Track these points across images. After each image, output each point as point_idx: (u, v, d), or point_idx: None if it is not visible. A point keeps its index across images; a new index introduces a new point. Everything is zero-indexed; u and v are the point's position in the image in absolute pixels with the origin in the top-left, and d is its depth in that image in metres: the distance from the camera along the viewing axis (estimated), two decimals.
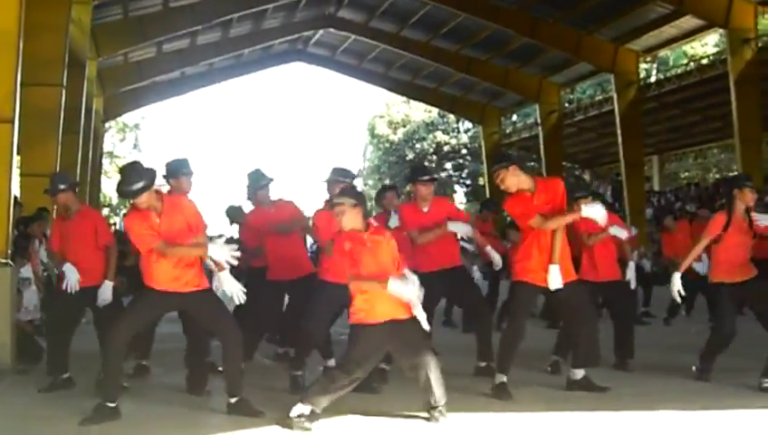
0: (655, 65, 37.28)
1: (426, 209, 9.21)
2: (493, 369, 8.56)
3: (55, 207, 10.35)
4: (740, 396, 7.86)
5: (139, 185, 7.06)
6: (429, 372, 6.98)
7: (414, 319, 6.91)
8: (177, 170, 8.73)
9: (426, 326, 7.04)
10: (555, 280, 7.74)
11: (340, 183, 8.65)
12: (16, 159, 11.63)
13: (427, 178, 9.38)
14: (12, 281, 10.80)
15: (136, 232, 7.23)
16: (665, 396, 7.96)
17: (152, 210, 7.22)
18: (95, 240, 9.12)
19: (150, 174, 7.20)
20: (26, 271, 12.25)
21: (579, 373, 8.23)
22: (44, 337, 12.44)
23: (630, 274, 9.99)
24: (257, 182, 9.81)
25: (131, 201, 7.25)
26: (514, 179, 7.79)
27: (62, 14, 16.14)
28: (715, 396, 7.87)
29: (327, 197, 8.87)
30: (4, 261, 10.64)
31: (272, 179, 9.82)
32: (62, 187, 9.22)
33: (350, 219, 7.01)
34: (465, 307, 10.56)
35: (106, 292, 8.97)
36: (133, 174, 7.18)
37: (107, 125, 37.30)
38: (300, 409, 6.85)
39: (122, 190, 7.16)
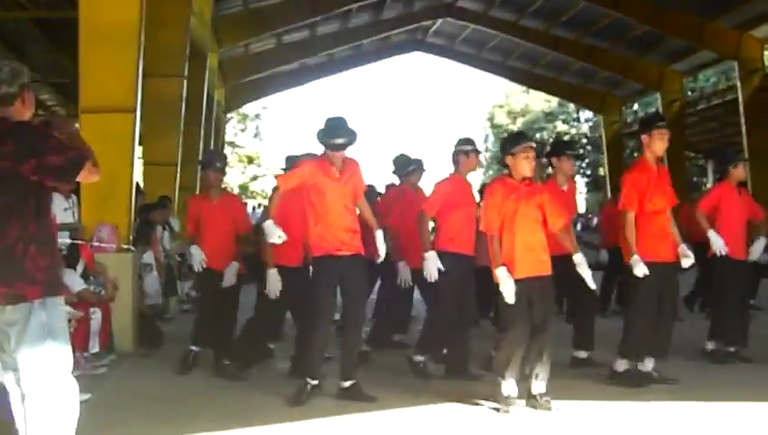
0: None
1: (565, 188, 9.19)
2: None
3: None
4: None
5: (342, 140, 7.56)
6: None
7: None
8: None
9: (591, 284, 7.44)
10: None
11: (467, 152, 8.72)
12: (138, 148, 11.94)
13: (572, 152, 9.54)
14: (134, 266, 11.15)
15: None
16: None
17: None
18: (233, 226, 9.38)
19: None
20: (148, 257, 12.60)
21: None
22: (164, 321, 12.89)
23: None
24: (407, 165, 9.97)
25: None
26: None
27: (183, 7, 16.48)
28: None
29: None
30: (126, 247, 10.96)
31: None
32: (218, 164, 9.52)
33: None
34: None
35: (231, 273, 9.21)
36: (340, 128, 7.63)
37: (228, 115, 37.93)
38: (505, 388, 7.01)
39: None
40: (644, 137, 8.27)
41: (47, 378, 4.59)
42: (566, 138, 48.27)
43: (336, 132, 7.58)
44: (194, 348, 9.33)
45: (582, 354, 9.08)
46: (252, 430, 6.59)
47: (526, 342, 7.03)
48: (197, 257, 8.94)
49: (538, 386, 7.09)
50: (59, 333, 4.67)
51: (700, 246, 9.69)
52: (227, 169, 40.85)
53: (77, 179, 4.78)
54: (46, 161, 4.54)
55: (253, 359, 9.05)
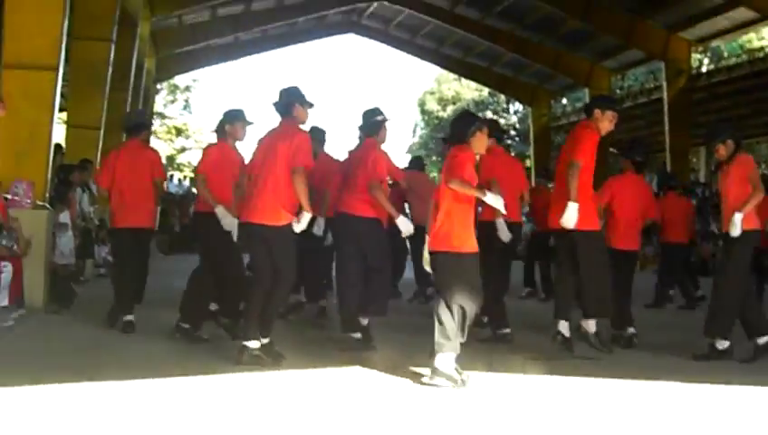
0: (707, 55, 36.96)
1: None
2: None
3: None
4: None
5: None
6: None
7: None
8: (235, 117, 9.08)
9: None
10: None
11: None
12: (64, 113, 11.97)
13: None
14: (48, 224, 11.18)
15: None
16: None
17: None
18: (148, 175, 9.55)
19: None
20: (65, 217, 12.59)
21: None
22: (79, 283, 12.90)
23: None
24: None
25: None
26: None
27: None
28: None
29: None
30: (42, 204, 10.98)
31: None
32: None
33: None
34: None
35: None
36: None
37: (159, 86, 37.64)
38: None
39: None
40: (597, 112, 8.67)
41: None
42: None
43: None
44: (129, 318, 9.38)
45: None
46: (150, 381, 6.69)
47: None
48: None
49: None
50: None
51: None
52: (156, 139, 40.59)
53: None
54: None
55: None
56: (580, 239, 8.43)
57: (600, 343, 8.69)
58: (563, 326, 8.54)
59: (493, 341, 9.29)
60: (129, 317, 9.30)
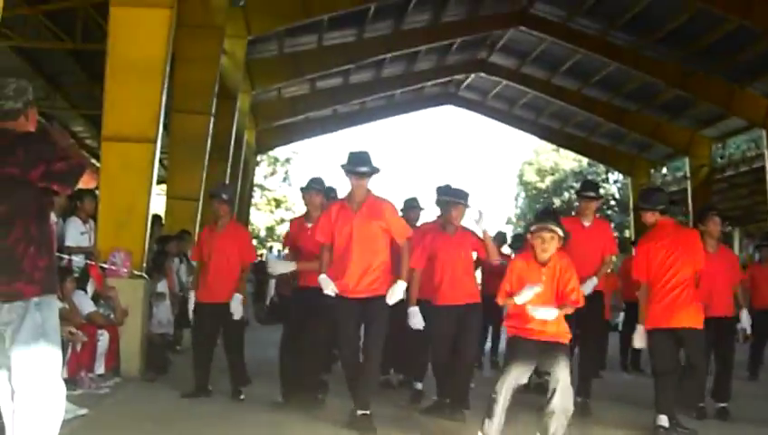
0: None
1: (587, 225, 9.38)
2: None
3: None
4: None
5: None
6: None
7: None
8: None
9: None
10: None
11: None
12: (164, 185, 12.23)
13: (593, 194, 9.72)
14: (145, 293, 11.37)
15: None
16: None
17: None
18: (238, 256, 9.66)
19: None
20: (162, 286, 12.78)
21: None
22: (176, 352, 13.07)
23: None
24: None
25: None
26: None
27: (213, 46, 16.73)
28: None
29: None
30: (138, 273, 11.18)
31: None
32: (224, 195, 9.83)
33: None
34: None
35: (237, 305, 9.48)
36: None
37: (258, 158, 38.20)
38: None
39: None
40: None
41: (37, 376, 4.78)
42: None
43: (358, 162, 8.06)
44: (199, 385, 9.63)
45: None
46: None
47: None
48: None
49: None
50: (51, 333, 4.87)
51: None
52: (256, 211, 41.19)
53: (78, 185, 4.98)
54: (53, 168, 4.79)
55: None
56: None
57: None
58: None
59: None
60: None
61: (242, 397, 9.50)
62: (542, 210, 7.99)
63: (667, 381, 8.19)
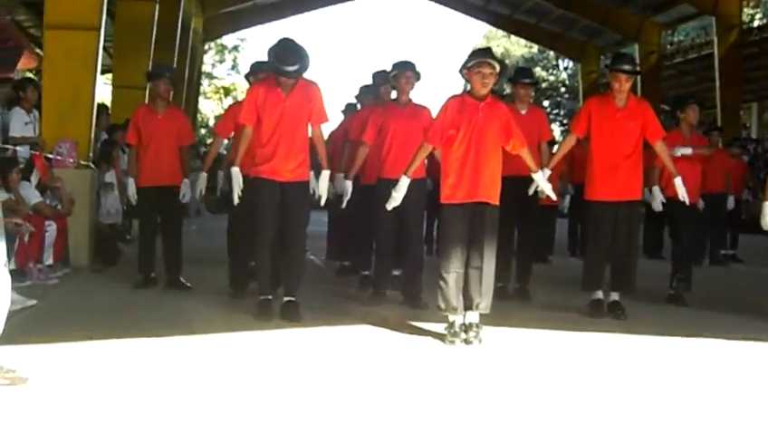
0: (759, 10, 36.32)
1: (523, 112, 9.28)
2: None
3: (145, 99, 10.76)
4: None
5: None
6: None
7: None
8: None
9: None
10: None
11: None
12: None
13: (528, 80, 9.66)
14: (92, 183, 11.29)
15: None
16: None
17: None
18: (177, 139, 9.55)
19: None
20: (110, 176, 12.66)
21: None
22: (126, 242, 13.03)
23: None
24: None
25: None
26: None
27: None
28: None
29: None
30: (85, 163, 11.07)
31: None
32: (166, 73, 9.66)
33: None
34: None
35: (186, 188, 9.45)
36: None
37: (206, 46, 37.68)
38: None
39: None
40: (608, 74, 8.68)
41: None
42: (544, 85, 48.28)
43: (286, 58, 7.59)
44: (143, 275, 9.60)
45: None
46: (186, 338, 6.74)
47: (462, 268, 7.05)
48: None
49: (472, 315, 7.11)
50: None
51: None
52: (204, 99, 40.66)
53: (18, 67, 4.87)
54: None
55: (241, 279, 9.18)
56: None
57: None
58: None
59: None
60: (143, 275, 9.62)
61: (188, 285, 9.47)
62: (480, 48, 7.78)
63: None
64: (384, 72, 10.08)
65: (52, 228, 9.91)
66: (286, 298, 7.78)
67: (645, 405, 5.14)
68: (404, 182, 7.24)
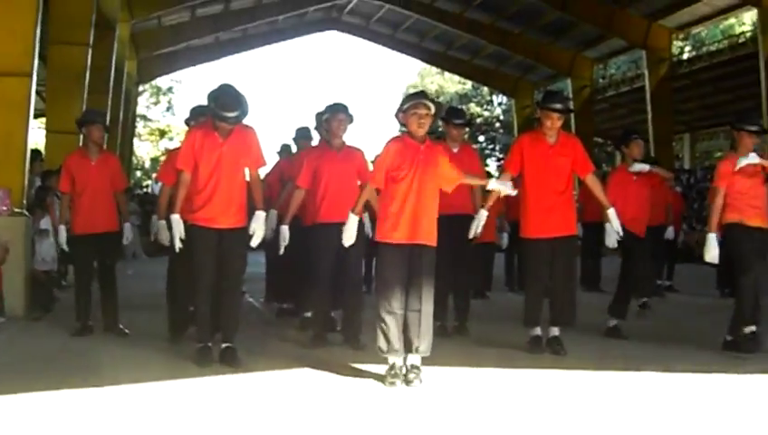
0: (688, 42, 36.98)
1: (455, 150, 9.39)
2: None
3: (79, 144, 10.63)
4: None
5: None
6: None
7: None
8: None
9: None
10: None
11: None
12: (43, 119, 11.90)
13: (460, 121, 9.77)
14: (26, 231, 11.14)
15: None
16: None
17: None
18: (112, 185, 9.46)
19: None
20: (45, 223, 12.52)
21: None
22: (61, 288, 12.87)
23: None
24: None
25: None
26: None
27: None
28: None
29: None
30: (18, 211, 10.94)
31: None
32: (98, 119, 9.57)
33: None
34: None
35: (128, 232, 9.40)
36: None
37: (141, 88, 37.51)
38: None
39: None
40: (538, 112, 8.71)
41: None
42: (479, 120, 48.68)
43: (227, 105, 7.58)
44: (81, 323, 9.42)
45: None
46: (125, 387, 6.65)
47: (401, 309, 7.02)
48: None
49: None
50: None
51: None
52: (140, 141, 40.45)
53: None
54: None
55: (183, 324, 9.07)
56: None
57: None
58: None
59: None
60: (81, 323, 9.43)
61: (126, 331, 9.37)
62: (414, 92, 7.82)
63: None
64: (306, 129, 10.59)
65: None
66: (224, 344, 7.73)
67: None
68: (352, 220, 7.30)
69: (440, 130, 10.67)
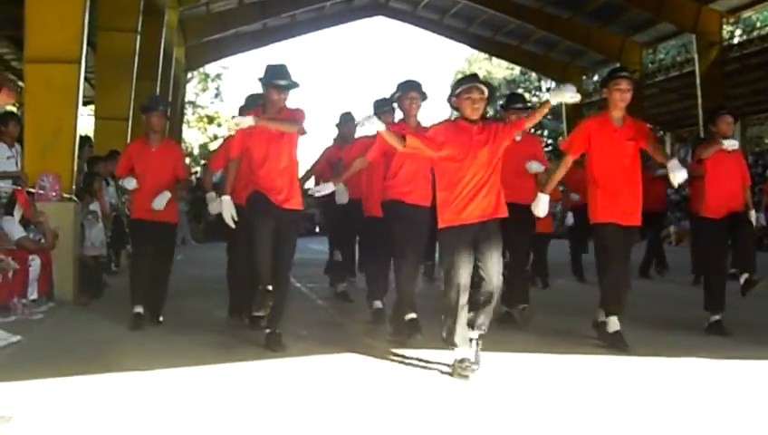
0: (739, 26, 36.51)
1: (518, 139, 8.80)
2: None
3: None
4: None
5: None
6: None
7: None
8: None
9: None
10: None
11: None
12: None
13: (520, 106, 9.50)
14: (75, 216, 11.25)
15: None
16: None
17: None
18: (172, 174, 9.38)
19: None
20: (94, 207, 12.63)
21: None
22: (111, 273, 12.99)
23: None
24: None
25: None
26: None
27: None
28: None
29: None
30: (68, 196, 11.04)
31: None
32: (161, 107, 9.51)
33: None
34: None
35: (162, 200, 9.07)
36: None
37: (189, 75, 37.72)
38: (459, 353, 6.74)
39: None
40: (605, 90, 8.38)
41: None
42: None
43: (279, 74, 7.67)
44: (138, 310, 9.11)
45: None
46: (172, 371, 6.70)
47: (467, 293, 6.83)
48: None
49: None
50: None
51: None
52: (188, 128, 40.65)
53: None
54: None
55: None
56: None
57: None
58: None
59: None
60: (138, 310, 9.10)
61: (161, 319, 9.31)
62: (467, 75, 7.65)
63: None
64: (349, 114, 10.83)
65: (35, 263, 9.86)
66: (268, 330, 7.78)
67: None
68: None
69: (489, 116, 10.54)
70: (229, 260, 9.43)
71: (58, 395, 5.76)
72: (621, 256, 8.15)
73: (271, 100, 7.71)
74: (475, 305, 6.85)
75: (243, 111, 8.98)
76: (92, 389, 5.98)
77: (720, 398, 5.99)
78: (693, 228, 9.65)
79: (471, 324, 6.85)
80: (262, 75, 7.70)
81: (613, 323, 8.01)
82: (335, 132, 11.78)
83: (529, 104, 10.23)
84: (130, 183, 9.07)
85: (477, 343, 6.86)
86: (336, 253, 11.68)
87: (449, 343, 6.80)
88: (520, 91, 48.40)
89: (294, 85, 7.71)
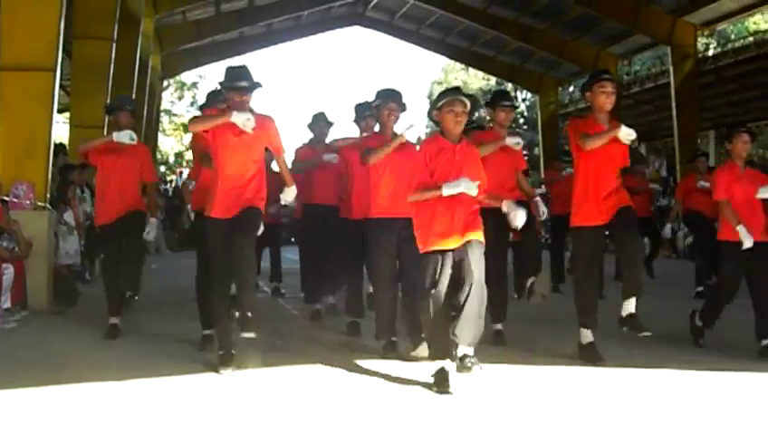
0: (714, 39, 36.74)
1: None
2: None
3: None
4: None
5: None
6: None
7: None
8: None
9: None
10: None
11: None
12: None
13: (508, 103, 9.19)
14: (49, 225, 11.20)
15: None
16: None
17: None
18: (140, 175, 9.29)
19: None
20: (68, 217, 12.59)
21: None
22: (85, 282, 12.93)
23: None
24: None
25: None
26: None
27: None
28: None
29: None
30: (42, 205, 11.00)
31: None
32: (129, 106, 9.40)
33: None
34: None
35: (152, 228, 9.19)
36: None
37: (165, 83, 37.62)
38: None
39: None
40: (587, 95, 8.38)
41: None
42: None
43: (238, 76, 7.46)
44: (115, 321, 9.00)
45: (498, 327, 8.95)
46: (147, 380, 6.69)
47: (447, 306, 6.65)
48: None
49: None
50: None
51: None
52: (164, 136, 40.48)
53: None
54: None
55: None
56: None
57: None
58: None
59: None
60: (114, 321, 8.98)
61: (136, 298, 9.46)
62: (448, 88, 7.54)
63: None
64: (322, 114, 10.66)
65: (9, 271, 9.82)
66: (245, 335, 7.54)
67: None
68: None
69: (475, 119, 10.45)
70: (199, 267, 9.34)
71: (31, 405, 5.74)
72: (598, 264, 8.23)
73: (233, 103, 7.46)
74: (456, 307, 6.55)
75: (203, 110, 8.90)
76: (66, 398, 5.96)
77: (708, 409, 6.02)
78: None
79: (454, 332, 6.44)
80: (222, 79, 7.54)
81: (630, 305, 7.68)
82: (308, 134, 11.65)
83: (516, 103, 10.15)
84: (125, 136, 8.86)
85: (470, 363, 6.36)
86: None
87: (433, 357, 6.73)
88: None
89: (257, 86, 7.47)
